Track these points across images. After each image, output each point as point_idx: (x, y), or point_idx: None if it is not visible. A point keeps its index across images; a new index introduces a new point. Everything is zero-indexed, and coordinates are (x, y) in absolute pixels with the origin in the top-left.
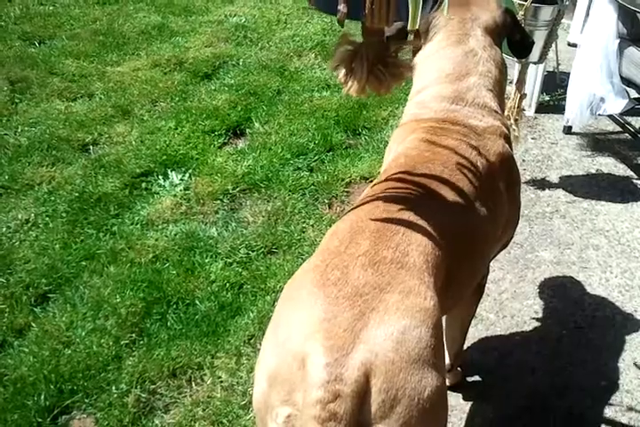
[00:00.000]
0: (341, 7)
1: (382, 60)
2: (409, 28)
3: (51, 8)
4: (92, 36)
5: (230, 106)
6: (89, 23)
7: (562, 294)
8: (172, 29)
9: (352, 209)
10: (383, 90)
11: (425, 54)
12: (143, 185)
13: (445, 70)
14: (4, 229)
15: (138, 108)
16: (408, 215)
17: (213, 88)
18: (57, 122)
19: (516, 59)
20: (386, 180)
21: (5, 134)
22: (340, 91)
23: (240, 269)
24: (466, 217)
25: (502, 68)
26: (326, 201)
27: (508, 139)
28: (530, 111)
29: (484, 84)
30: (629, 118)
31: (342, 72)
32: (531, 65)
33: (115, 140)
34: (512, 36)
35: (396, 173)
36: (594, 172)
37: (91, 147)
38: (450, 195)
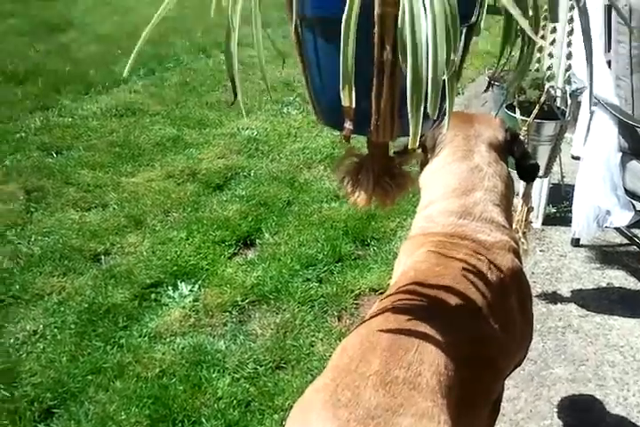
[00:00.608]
0: (347, 124)
1: (388, 172)
2: (409, 146)
3: (70, 120)
4: (108, 147)
5: (241, 216)
6: (106, 135)
7: (579, 413)
8: (186, 141)
9: (363, 322)
10: (389, 201)
11: (432, 169)
12: (153, 296)
13: (452, 185)
14: (12, 341)
15: (150, 219)
16: (420, 330)
17: (225, 199)
18: (70, 231)
19: None
20: (396, 293)
21: (19, 243)
22: (349, 202)
23: (247, 386)
24: (479, 333)
25: (508, 183)
26: (335, 313)
27: (516, 253)
28: (537, 224)
29: (490, 199)
30: (636, 231)
31: (349, 184)
32: (536, 179)
33: (126, 251)
34: (513, 154)
35: (406, 286)
36: (604, 285)
37: (102, 257)
38: (462, 309)
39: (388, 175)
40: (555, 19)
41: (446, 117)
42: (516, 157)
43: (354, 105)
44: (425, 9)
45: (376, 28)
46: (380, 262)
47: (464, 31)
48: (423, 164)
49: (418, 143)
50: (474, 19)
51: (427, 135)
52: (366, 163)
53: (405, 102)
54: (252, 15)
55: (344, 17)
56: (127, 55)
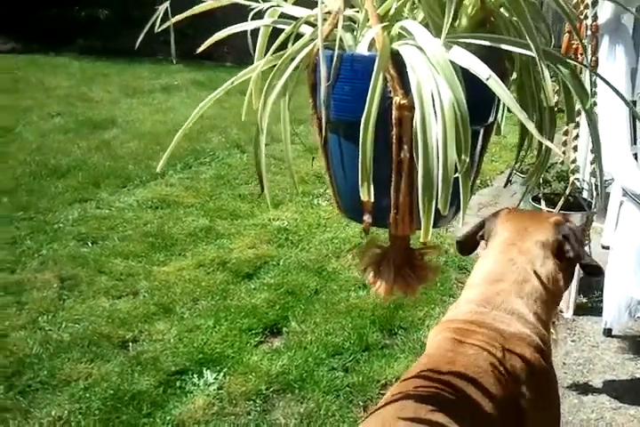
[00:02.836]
0: (366, 218)
1: (409, 263)
2: (421, 239)
3: (106, 211)
4: (142, 237)
5: (269, 305)
6: (140, 225)
7: None
8: (218, 232)
9: (378, 409)
10: (410, 291)
11: (478, 261)
12: (177, 384)
13: (482, 276)
14: None
15: (179, 307)
16: (433, 418)
17: (253, 287)
18: (100, 319)
19: None
20: (407, 379)
21: (50, 330)
22: (371, 291)
23: None
24: (484, 421)
25: (547, 282)
26: (361, 403)
27: (540, 350)
28: (568, 313)
29: (514, 291)
30: None
31: (370, 274)
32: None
33: (154, 338)
34: (566, 253)
35: (417, 373)
36: (638, 376)
37: (130, 344)
38: (472, 396)
39: (409, 266)
40: (572, 119)
41: (460, 213)
42: (571, 256)
43: (372, 199)
44: (435, 113)
45: (394, 130)
46: (407, 352)
47: (481, 131)
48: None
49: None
50: (491, 119)
51: (474, 228)
52: (388, 254)
53: None
54: (281, 114)
55: (362, 119)
56: (164, 151)
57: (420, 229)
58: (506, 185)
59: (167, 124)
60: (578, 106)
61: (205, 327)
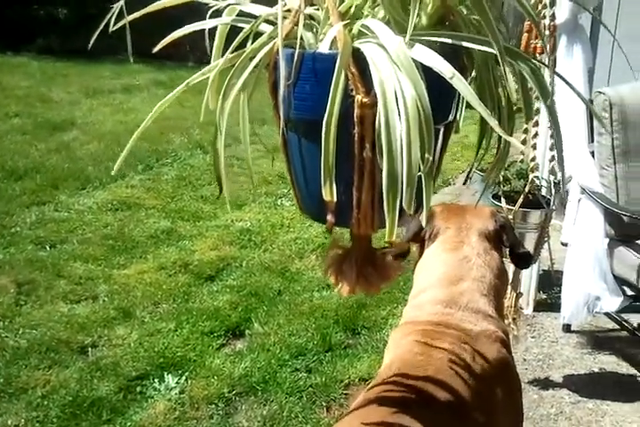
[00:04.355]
0: (329, 217)
1: (371, 263)
2: (386, 239)
3: (65, 214)
4: (101, 240)
5: (231, 307)
6: (100, 228)
7: None
8: (179, 233)
9: (345, 415)
10: (373, 290)
11: (424, 260)
12: (138, 389)
13: (440, 275)
14: None
15: (140, 310)
16: (403, 422)
17: (215, 289)
18: (58, 324)
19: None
20: (379, 384)
21: (6, 337)
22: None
23: None
24: (463, 424)
25: (499, 273)
26: (324, 404)
27: (505, 344)
28: (528, 310)
29: (477, 289)
30: (627, 316)
31: (333, 274)
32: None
33: (114, 343)
34: (503, 243)
35: (389, 378)
36: (596, 370)
37: (89, 349)
38: (444, 401)
39: (371, 266)
40: (530, 117)
41: (424, 211)
42: (507, 246)
43: (335, 199)
44: (399, 111)
45: (356, 128)
46: (370, 351)
47: (442, 129)
48: (419, 255)
49: (406, 238)
50: (451, 117)
51: (413, 228)
52: (350, 254)
53: None
54: (240, 114)
55: (325, 118)
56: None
57: (382, 227)
58: (465, 182)
59: (128, 125)
60: (537, 104)
61: (167, 331)
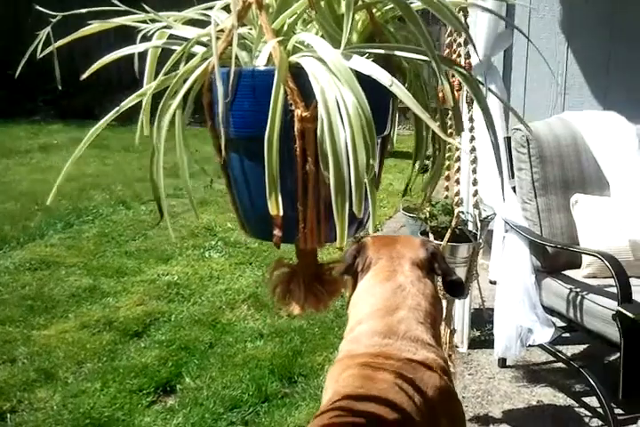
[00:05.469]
0: (276, 232)
1: (318, 279)
2: (337, 245)
3: None
4: (19, 300)
5: (160, 362)
6: (18, 288)
7: None
8: (102, 290)
9: None
10: (322, 306)
11: (357, 292)
12: None
13: (376, 306)
14: None
15: (62, 371)
16: None
17: (143, 345)
18: None
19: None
20: (321, 418)
21: None
22: (274, 340)
23: None
24: None
25: (433, 301)
26: None
27: (445, 372)
28: (463, 348)
29: (414, 318)
30: (560, 347)
31: (280, 293)
32: (457, 301)
33: (35, 406)
34: (435, 271)
35: (329, 412)
36: (534, 403)
37: (8, 415)
38: None
39: (319, 282)
40: (459, 129)
41: (370, 221)
42: (439, 274)
43: (281, 213)
44: (342, 119)
45: (297, 143)
46: (308, 399)
47: (379, 142)
48: (352, 288)
49: (339, 271)
50: (387, 131)
51: (348, 260)
52: (296, 271)
53: (330, 210)
54: (177, 136)
55: (266, 133)
56: (43, 211)
57: (327, 242)
58: (404, 195)
59: (47, 183)
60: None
61: (92, 391)
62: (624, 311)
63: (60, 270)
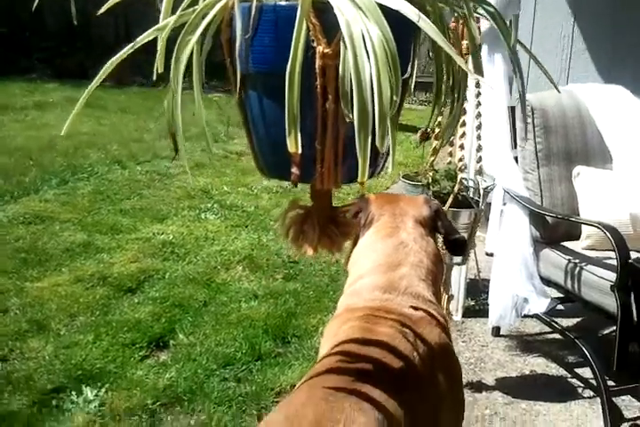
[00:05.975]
0: (294, 169)
1: (333, 221)
2: (359, 180)
3: None
4: (13, 253)
5: (153, 318)
6: (11, 241)
7: None
8: (97, 246)
9: (301, 384)
10: (335, 248)
11: (359, 248)
12: (54, 402)
13: (378, 261)
14: None
15: (55, 323)
16: (345, 406)
17: (137, 301)
18: None
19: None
20: (321, 369)
21: None
22: (268, 301)
23: None
24: (404, 407)
25: (435, 259)
26: (255, 412)
27: (444, 328)
28: (457, 316)
29: (416, 274)
30: (555, 319)
31: (294, 235)
32: (453, 270)
33: (26, 356)
34: (438, 229)
35: (330, 363)
36: (527, 372)
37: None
38: (387, 383)
39: (333, 224)
40: (481, 71)
41: (390, 158)
42: (442, 232)
43: (300, 150)
44: (367, 52)
45: (318, 80)
46: (301, 359)
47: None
48: (353, 244)
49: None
50: (407, 74)
51: (354, 212)
52: (311, 213)
53: (348, 150)
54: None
55: (288, 68)
56: (38, 166)
57: (345, 183)
58: (420, 142)
59: (41, 140)
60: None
61: (84, 343)
62: (635, 263)
63: (55, 225)
